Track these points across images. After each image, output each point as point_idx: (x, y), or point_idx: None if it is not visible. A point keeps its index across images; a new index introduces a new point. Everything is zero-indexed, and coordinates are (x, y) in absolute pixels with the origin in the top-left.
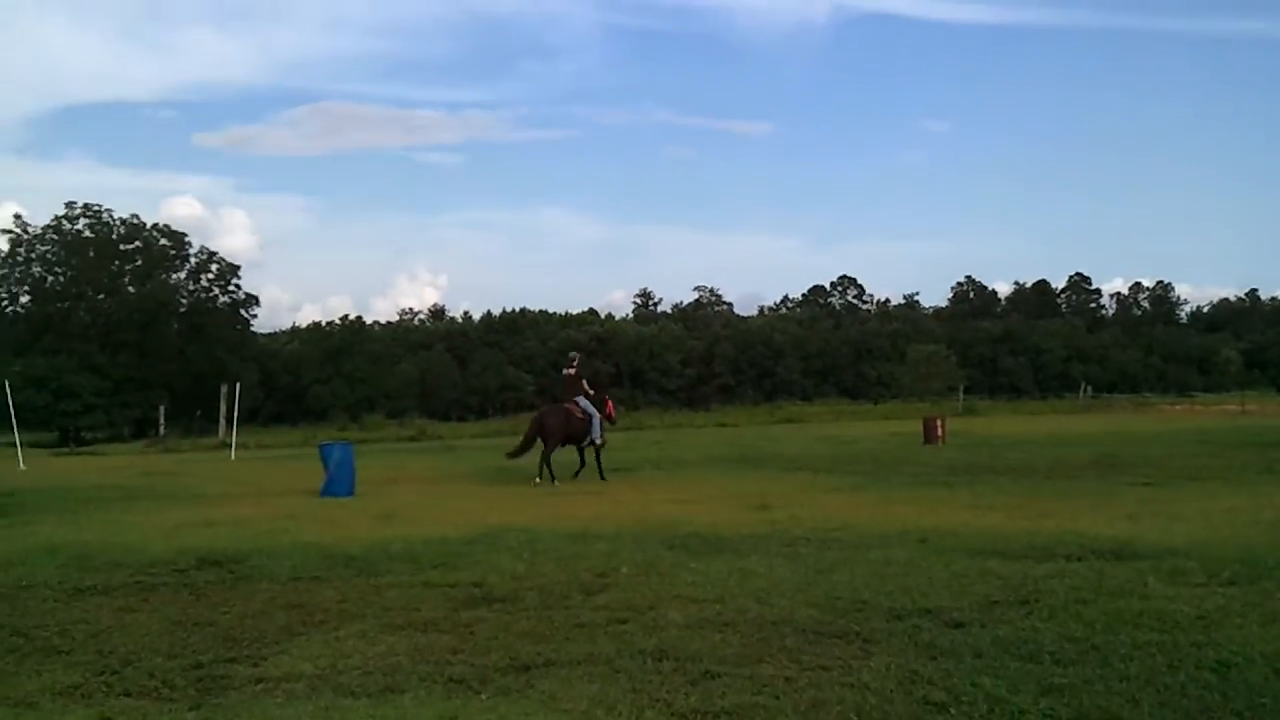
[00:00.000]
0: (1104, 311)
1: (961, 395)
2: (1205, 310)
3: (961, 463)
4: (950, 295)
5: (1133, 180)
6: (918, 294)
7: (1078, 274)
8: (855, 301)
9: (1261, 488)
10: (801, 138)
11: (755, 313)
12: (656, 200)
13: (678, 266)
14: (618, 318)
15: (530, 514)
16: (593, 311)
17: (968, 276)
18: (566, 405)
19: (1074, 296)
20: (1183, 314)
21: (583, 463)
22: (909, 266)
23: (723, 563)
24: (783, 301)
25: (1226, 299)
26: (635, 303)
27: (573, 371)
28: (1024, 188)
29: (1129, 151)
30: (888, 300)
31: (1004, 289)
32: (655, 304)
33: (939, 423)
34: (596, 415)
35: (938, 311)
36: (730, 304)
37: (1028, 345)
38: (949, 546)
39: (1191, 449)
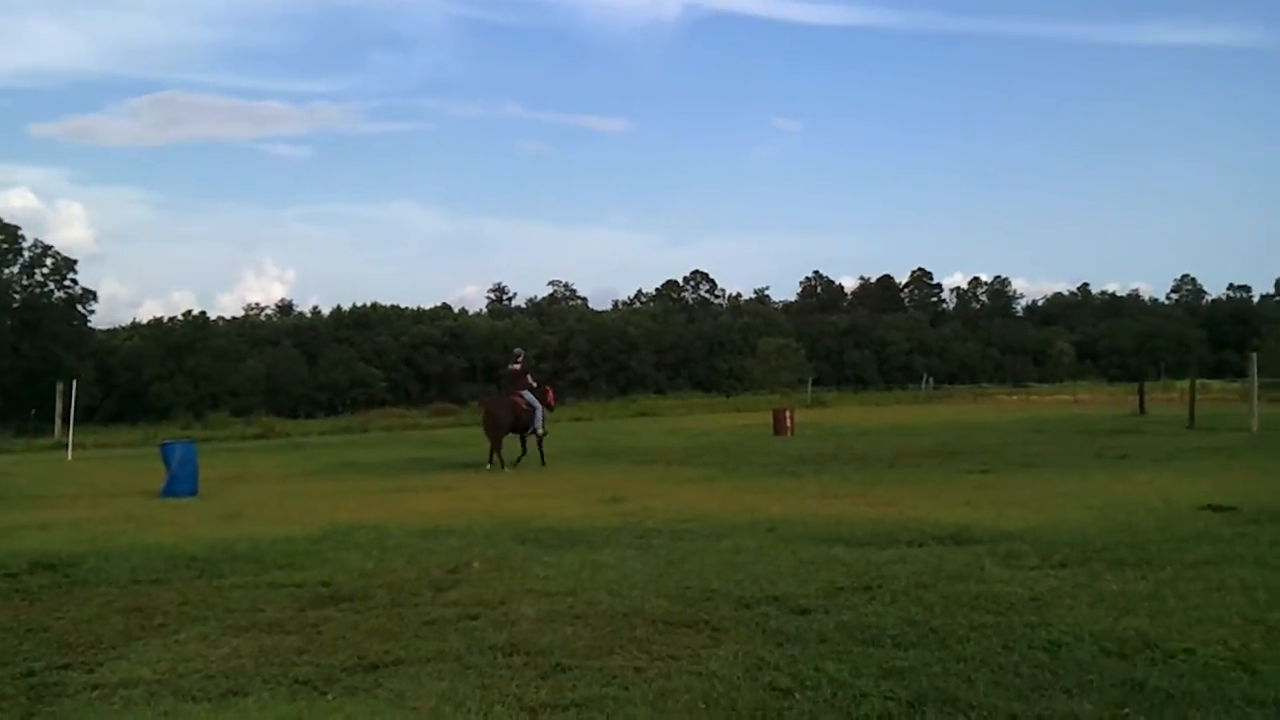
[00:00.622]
0: (945, 305)
1: (810, 387)
2: (1040, 304)
3: (810, 453)
4: (799, 290)
5: (972, 178)
6: (768, 288)
7: (920, 269)
8: (708, 296)
9: (1092, 474)
10: (655, 134)
11: (609, 307)
12: (510, 194)
13: (531, 261)
14: (471, 313)
15: (380, 511)
16: (445, 306)
17: (815, 272)
18: (513, 398)
19: (916, 291)
20: (1019, 307)
21: (524, 450)
22: (760, 261)
23: (575, 556)
24: (636, 296)
25: (1060, 293)
26: (489, 297)
27: (518, 367)
28: (869, 185)
29: (968, 151)
30: (739, 295)
31: (850, 284)
32: (509, 299)
33: (788, 414)
34: (539, 407)
35: (787, 306)
36: (584, 298)
37: (873, 338)
38: (796, 534)
39: (1026, 437)
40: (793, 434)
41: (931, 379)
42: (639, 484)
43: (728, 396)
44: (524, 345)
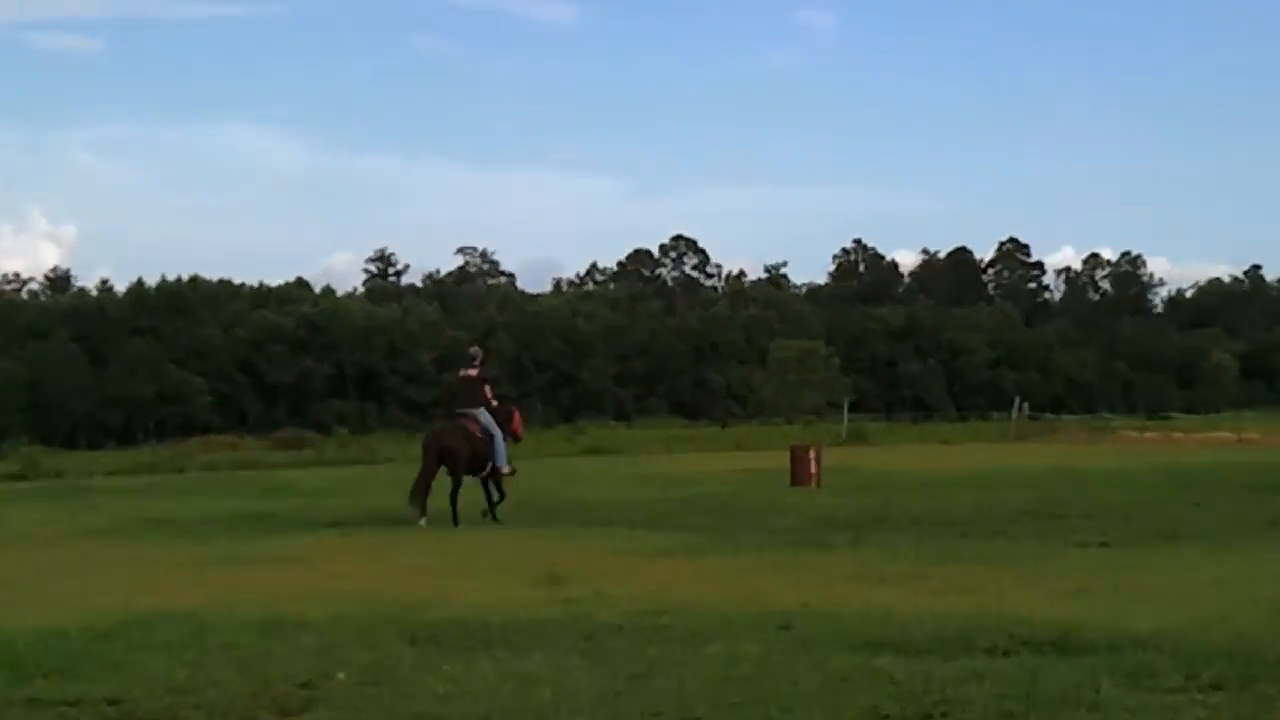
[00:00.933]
0: (1048, 295)
1: (846, 414)
2: (1188, 295)
3: (844, 513)
4: (832, 268)
5: (1092, 110)
6: (785, 265)
7: (1011, 241)
8: (696, 275)
9: (1262, 553)
10: (616, 28)
11: (548, 288)
12: (399, 116)
13: (431, 217)
14: (340, 293)
15: (198, 593)
16: (302, 283)
17: (857, 241)
18: (463, 421)
19: (1006, 273)
20: (1157, 300)
21: (494, 496)
22: (773, 224)
23: (491, 665)
24: (589, 273)
25: (1218, 280)
26: (368, 271)
27: (473, 374)
28: (936, 114)
29: (1088, 69)
30: (742, 274)
31: (908, 260)
32: (398, 273)
33: (812, 455)
34: (498, 434)
35: (814, 291)
36: (510, 275)
37: (940, 343)
38: (823, 636)
39: (1166, 495)
40: (819, 485)
41: (1026, 405)
42: (589, 556)
43: (723, 426)
44: (470, 345)
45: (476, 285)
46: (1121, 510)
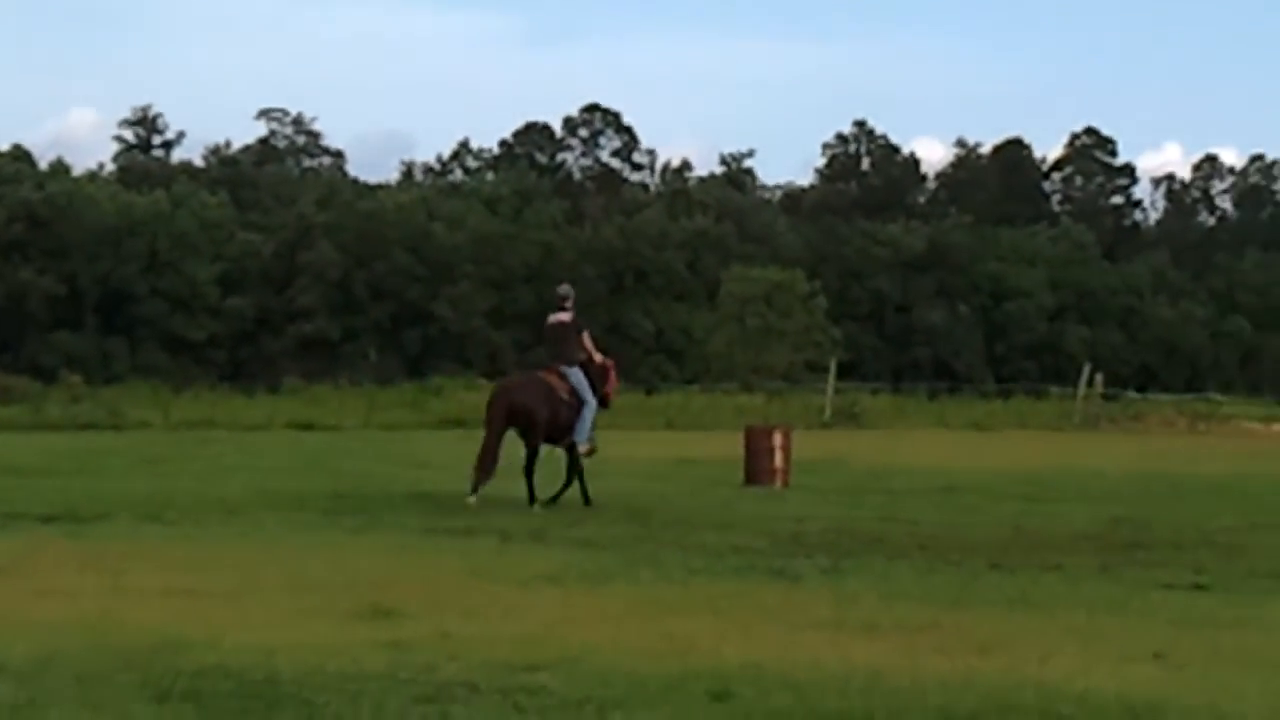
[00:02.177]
0: (1140, 214)
1: (833, 382)
2: None
3: (821, 529)
4: (821, 163)
5: None
6: (750, 156)
7: (1088, 132)
8: (617, 164)
9: None
10: None
11: (394, 177)
12: None
13: (220, 62)
14: (78, 171)
15: None
16: (19, 155)
17: (858, 124)
18: (543, 375)
19: (1079, 179)
20: None
21: (571, 475)
22: (734, 95)
23: None
24: (456, 157)
25: None
26: (121, 140)
27: (565, 318)
28: None
29: None
30: (686, 166)
31: (933, 154)
32: (167, 144)
33: (779, 442)
34: (591, 401)
35: (791, 197)
36: (338, 154)
37: (977, 280)
38: (777, 711)
39: None
40: (785, 485)
41: (1101, 377)
42: (435, 580)
43: (649, 394)
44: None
45: (286, 168)
46: (1230, 538)
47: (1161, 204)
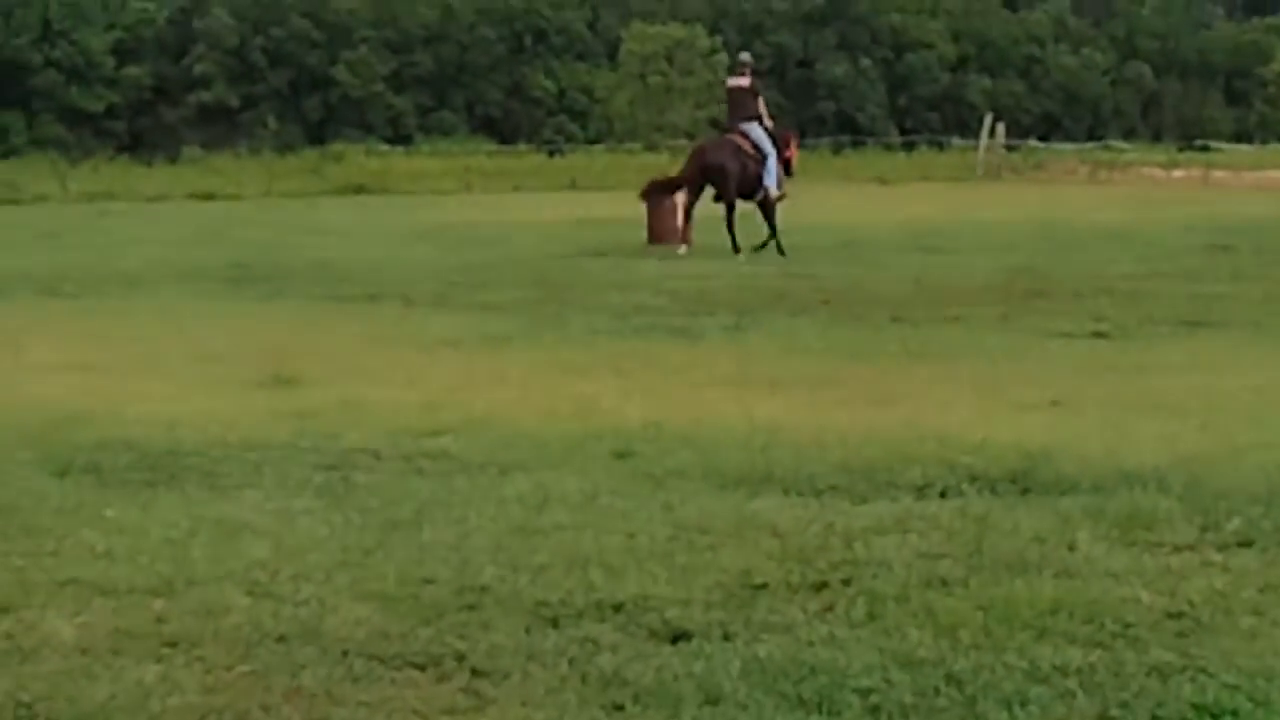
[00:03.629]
0: None
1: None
2: None
3: (724, 287)
4: None
5: None
6: None
7: None
8: None
9: None
10: None
11: None
12: None
13: None
14: None
15: None
16: None
17: None
18: (732, 136)
19: None
20: None
21: (772, 230)
22: None
23: (179, 507)
24: None
25: None
26: None
27: (744, 83)
28: None
29: None
30: None
31: None
32: None
33: (682, 200)
34: (773, 153)
35: None
36: None
37: (877, 32)
38: (677, 468)
39: (1195, 263)
40: (689, 244)
41: (1002, 127)
42: (336, 347)
43: (552, 155)
44: (740, 52)
45: None
46: (1129, 285)
47: None
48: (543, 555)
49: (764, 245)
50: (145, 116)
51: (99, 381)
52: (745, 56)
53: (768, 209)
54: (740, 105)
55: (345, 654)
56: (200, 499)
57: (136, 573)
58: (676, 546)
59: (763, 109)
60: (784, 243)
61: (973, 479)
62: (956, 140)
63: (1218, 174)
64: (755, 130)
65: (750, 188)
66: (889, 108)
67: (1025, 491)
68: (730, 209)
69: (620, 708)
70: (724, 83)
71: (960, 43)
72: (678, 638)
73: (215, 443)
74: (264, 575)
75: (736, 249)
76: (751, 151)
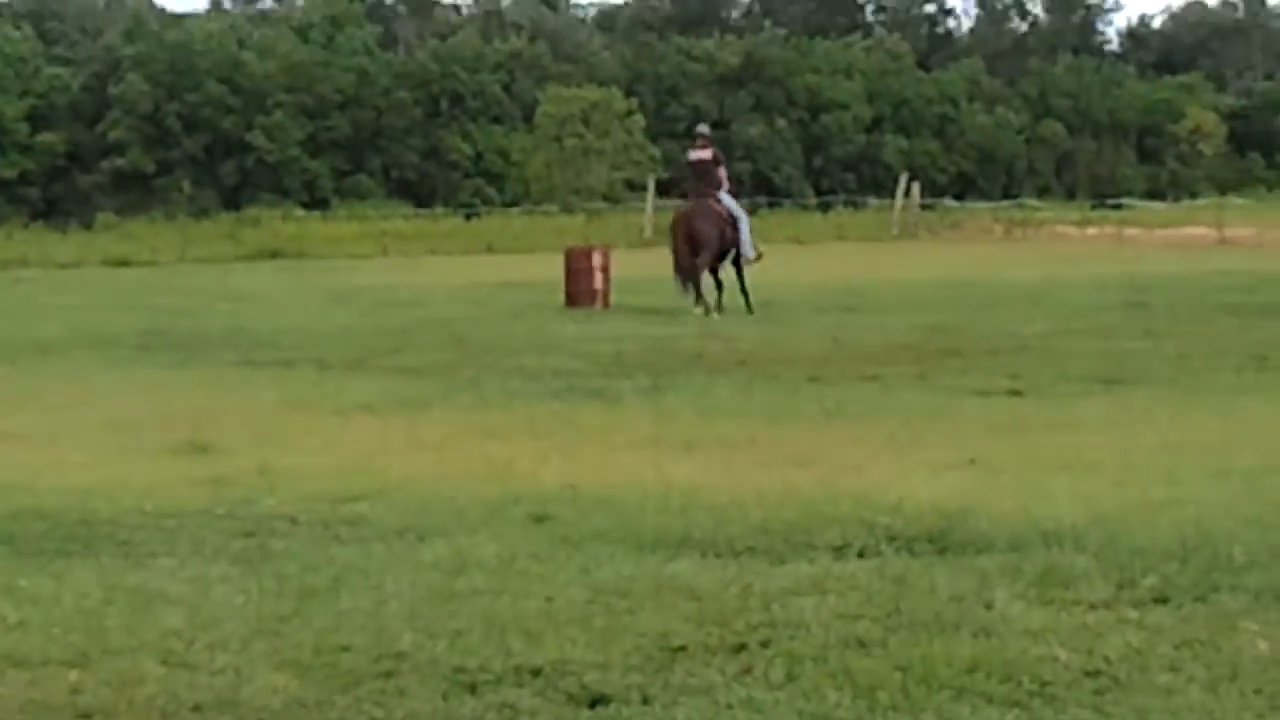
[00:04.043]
0: (952, 22)
1: (652, 200)
2: (1154, 25)
3: (641, 349)
4: None
5: None
6: None
7: None
8: None
9: (1241, 403)
10: None
11: (202, 4)
12: None
13: None
14: None
15: None
16: None
17: None
18: (707, 203)
19: None
20: (1110, 33)
21: (720, 286)
22: None
23: (93, 576)
24: None
25: (1198, 3)
26: None
27: (706, 156)
28: None
29: None
30: None
31: None
32: None
33: (598, 262)
34: (745, 217)
35: (606, 15)
36: None
37: (794, 93)
38: (595, 531)
39: (1110, 320)
40: (606, 305)
41: (917, 186)
42: (253, 413)
43: (469, 219)
44: (698, 124)
45: (91, 0)
46: (1044, 343)
47: (974, 11)
48: (460, 620)
49: (746, 302)
50: (59, 183)
51: (11, 450)
52: (704, 129)
53: (740, 270)
54: (705, 176)
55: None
56: (115, 568)
57: (50, 643)
58: (594, 610)
59: (724, 178)
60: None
61: (890, 539)
62: (872, 200)
63: (1131, 231)
64: (726, 198)
65: (726, 252)
66: (805, 168)
67: (943, 551)
68: (701, 268)
69: None
70: (688, 151)
71: (875, 103)
72: (596, 702)
73: (130, 511)
74: (179, 644)
75: (717, 307)
76: (726, 216)
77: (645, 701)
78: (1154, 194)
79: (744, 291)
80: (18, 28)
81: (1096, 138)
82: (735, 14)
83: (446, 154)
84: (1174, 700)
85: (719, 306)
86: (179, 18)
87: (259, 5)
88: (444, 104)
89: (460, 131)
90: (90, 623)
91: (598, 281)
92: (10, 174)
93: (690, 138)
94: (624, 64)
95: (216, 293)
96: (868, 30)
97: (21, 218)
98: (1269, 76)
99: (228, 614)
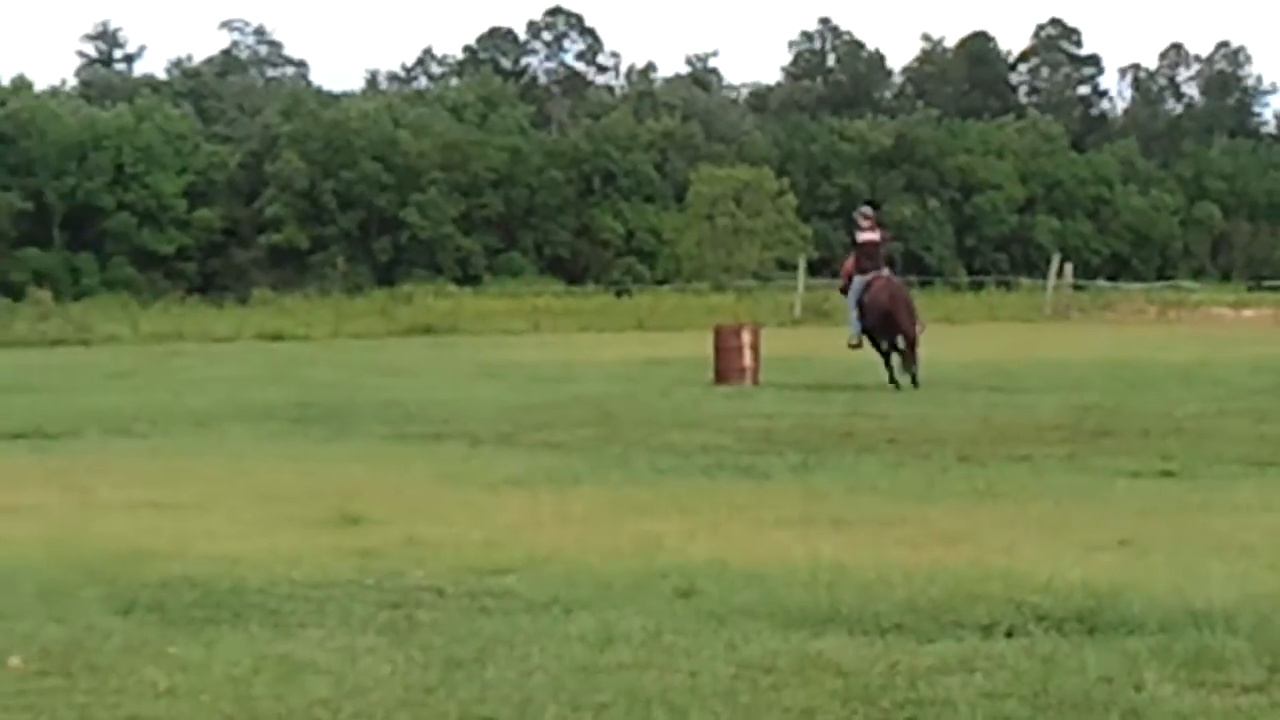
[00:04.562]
0: (1107, 105)
1: (803, 279)
2: None
3: (790, 426)
4: (787, 62)
5: None
6: (715, 56)
7: (1054, 23)
8: (582, 67)
9: None
10: None
11: (358, 86)
12: None
13: None
14: (40, 88)
15: None
16: None
17: (824, 21)
18: (898, 280)
19: (1045, 71)
20: (1268, 115)
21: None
22: None
23: (243, 645)
24: (420, 64)
25: None
26: (83, 55)
27: (876, 237)
28: None
29: None
30: (651, 68)
31: (900, 52)
32: (129, 58)
33: (748, 340)
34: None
35: (759, 96)
36: (301, 64)
37: (946, 173)
38: (741, 607)
39: (1266, 403)
40: (756, 383)
41: (1070, 267)
42: (403, 486)
43: (620, 295)
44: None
45: (249, 78)
46: (1197, 424)
47: (1128, 93)
48: (605, 694)
49: (913, 378)
50: (216, 258)
51: (165, 520)
52: (869, 210)
53: (910, 348)
54: (875, 257)
55: None
56: (263, 637)
57: (199, 711)
58: (740, 685)
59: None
60: (857, 382)
61: (1039, 618)
62: (1024, 280)
63: None
64: (895, 279)
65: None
66: (956, 248)
67: (1092, 631)
68: (894, 348)
69: None
70: (858, 233)
71: (1028, 184)
72: None
73: (279, 581)
74: (326, 714)
75: (896, 383)
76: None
77: None
78: None
79: (913, 364)
80: (177, 106)
81: (1253, 219)
82: (888, 95)
83: (598, 232)
84: None
85: (894, 380)
86: (335, 97)
87: (414, 85)
88: (596, 182)
89: (612, 210)
90: (238, 691)
91: (747, 359)
92: (168, 249)
93: (840, 217)
94: (776, 144)
95: (369, 367)
96: (1020, 112)
97: (179, 292)
98: None
99: (374, 684)
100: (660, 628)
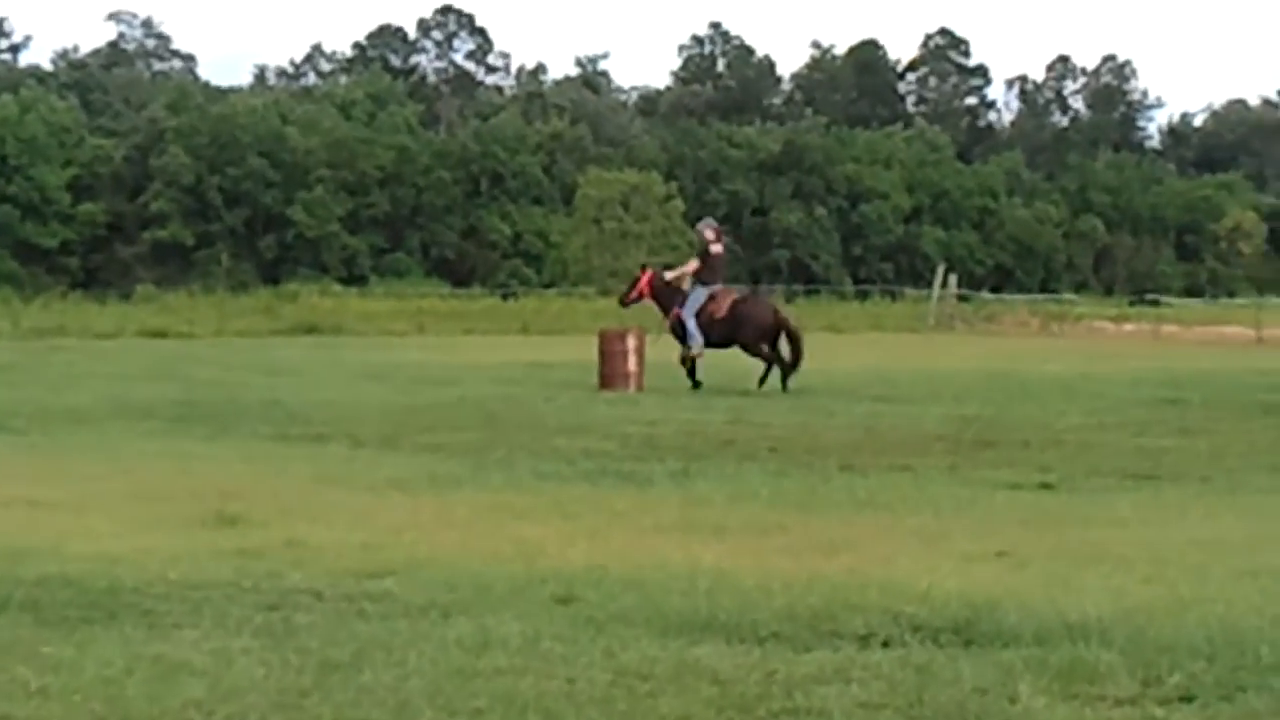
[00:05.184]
0: (994, 115)
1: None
2: (1196, 124)
3: (673, 433)
4: (677, 66)
5: None
6: (605, 58)
7: (942, 33)
8: (471, 67)
9: (1272, 500)
10: None
11: (246, 80)
12: None
13: None
14: None
15: None
16: None
17: (714, 26)
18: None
19: (933, 81)
20: (1151, 129)
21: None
22: None
23: (116, 646)
24: (309, 60)
25: (1240, 102)
26: None
27: (720, 249)
28: None
29: None
30: (541, 69)
31: (790, 58)
32: (14, 49)
33: (632, 345)
34: None
35: (648, 99)
36: (189, 58)
37: (833, 181)
38: (620, 613)
39: (1144, 415)
40: (640, 389)
41: (955, 278)
42: (282, 487)
43: (506, 298)
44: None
45: (136, 71)
46: (1077, 437)
47: (1015, 105)
48: (482, 700)
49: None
50: (99, 253)
51: (41, 517)
52: (710, 221)
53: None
54: (718, 271)
55: None
56: (138, 637)
57: (70, 711)
58: (616, 692)
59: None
60: (740, 389)
61: (916, 629)
62: (910, 290)
63: (1168, 328)
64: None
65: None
66: (843, 256)
67: (968, 643)
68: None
69: None
70: (709, 245)
71: (914, 193)
72: None
73: (155, 580)
74: (199, 715)
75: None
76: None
77: None
78: (1192, 291)
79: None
80: (63, 98)
81: (1135, 234)
82: (777, 101)
83: (485, 234)
84: None
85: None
86: (223, 92)
87: (303, 81)
88: (484, 184)
89: (499, 212)
90: (111, 691)
91: (631, 364)
92: (51, 243)
93: (727, 223)
94: (664, 148)
95: (252, 366)
96: (908, 121)
97: (61, 287)
98: None
99: (249, 686)
100: (538, 633)
